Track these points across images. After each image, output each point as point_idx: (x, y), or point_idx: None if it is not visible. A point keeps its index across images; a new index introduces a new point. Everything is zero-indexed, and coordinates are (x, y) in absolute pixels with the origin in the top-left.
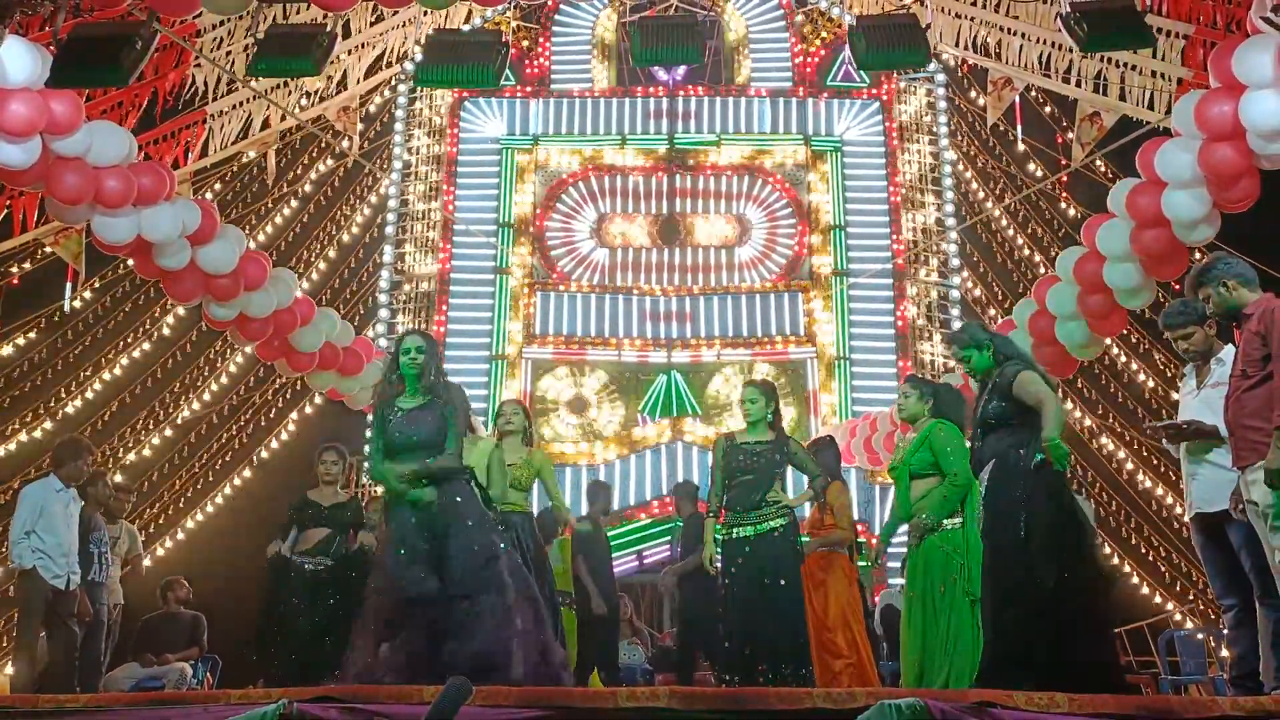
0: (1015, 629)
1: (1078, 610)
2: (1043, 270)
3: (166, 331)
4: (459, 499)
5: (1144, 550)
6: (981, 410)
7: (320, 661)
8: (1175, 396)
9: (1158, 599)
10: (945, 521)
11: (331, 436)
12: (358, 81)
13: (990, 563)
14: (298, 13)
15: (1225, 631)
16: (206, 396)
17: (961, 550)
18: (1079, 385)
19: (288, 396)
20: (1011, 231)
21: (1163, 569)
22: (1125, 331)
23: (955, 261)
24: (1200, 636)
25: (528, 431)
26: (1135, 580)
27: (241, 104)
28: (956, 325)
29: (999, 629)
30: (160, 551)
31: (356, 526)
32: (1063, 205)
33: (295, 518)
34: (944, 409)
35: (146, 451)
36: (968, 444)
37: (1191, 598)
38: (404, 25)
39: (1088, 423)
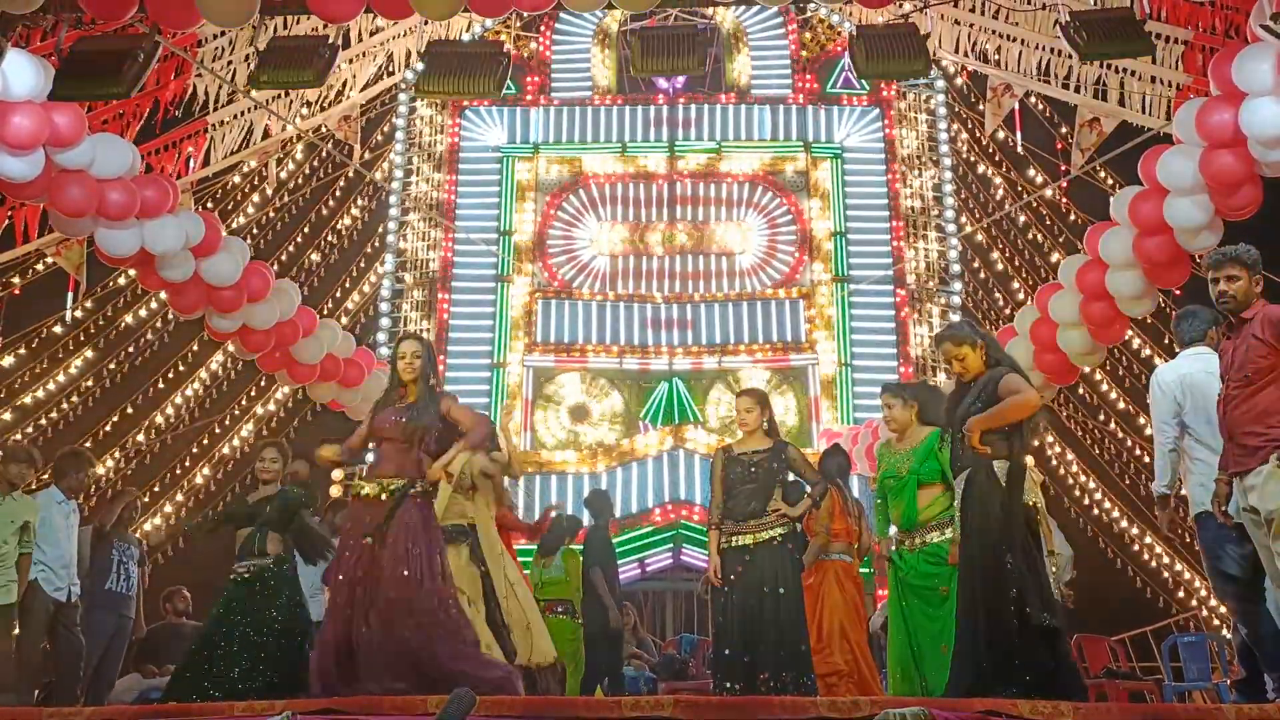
0: (990, 639)
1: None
2: (1044, 276)
3: (167, 340)
4: (407, 507)
5: (1146, 556)
6: (965, 413)
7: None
8: None
9: (1161, 604)
10: (935, 534)
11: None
12: (359, 91)
13: (967, 574)
14: (298, 23)
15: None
16: (207, 405)
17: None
18: (1080, 391)
19: (289, 406)
20: (1013, 237)
21: (1166, 574)
22: (1128, 335)
23: (956, 268)
24: (1204, 643)
25: None
26: (1139, 585)
27: (242, 114)
28: None
29: (975, 641)
30: (160, 561)
31: (278, 524)
32: (1063, 211)
33: (230, 516)
34: (929, 411)
35: (147, 460)
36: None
37: (1195, 603)
38: (405, 34)
39: (1090, 427)
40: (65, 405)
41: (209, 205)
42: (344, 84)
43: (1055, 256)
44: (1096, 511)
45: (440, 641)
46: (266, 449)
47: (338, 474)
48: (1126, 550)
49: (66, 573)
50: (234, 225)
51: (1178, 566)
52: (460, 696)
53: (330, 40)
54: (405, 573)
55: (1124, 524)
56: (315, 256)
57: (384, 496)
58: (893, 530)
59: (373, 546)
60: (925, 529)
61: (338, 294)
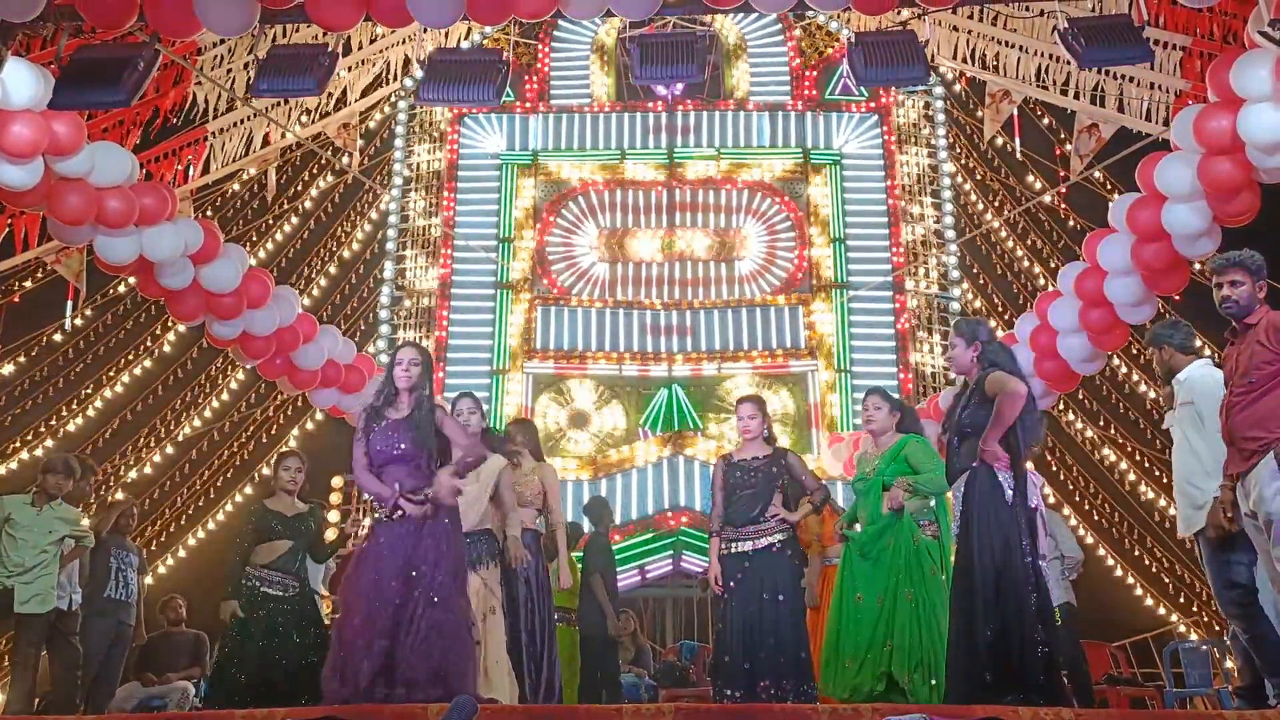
0: (992, 646)
1: (1051, 630)
2: (1043, 282)
3: (167, 349)
4: (439, 522)
5: (1147, 562)
6: (958, 417)
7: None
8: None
9: (1161, 610)
10: (916, 534)
11: (333, 453)
12: (358, 98)
13: (966, 578)
14: (297, 30)
15: (1229, 643)
16: (207, 414)
17: (934, 558)
18: (1080, 396)
19: (288, 413)
20: (1011, 244)
21: (1166, 580)
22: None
23: (955, 274)
24: (1205, 648)
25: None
26: (1139, 592)
27: (242, 121)
28: None
29: (974, 646)
30: (162, 569)
31: (314, 540)
32: (1062, 217)
33: (255, 528)
34: (908, 424)
35: (148, 469)
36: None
37: (1195, 609)
38: (404, 42)
39: (1090, 434)
40: (65, 413)
41: (208, 213)
42: (343, 91)
43: (1054, 263)
44: (1097, 516)
45: (461, 659)
46: (289, 458)
47: (338, 481)
48: (1127, 556)
49: (68, 581)
50: (233, 232)
51: (1178, 571)
52: (462, 704)
53: (330, 48)
54: (435, 592)
55: (1124, 529)
56: (314, 263)
57: (399, 515)
58: (857, 527)
59: (404, 565)
60: None
61: (337, 300)
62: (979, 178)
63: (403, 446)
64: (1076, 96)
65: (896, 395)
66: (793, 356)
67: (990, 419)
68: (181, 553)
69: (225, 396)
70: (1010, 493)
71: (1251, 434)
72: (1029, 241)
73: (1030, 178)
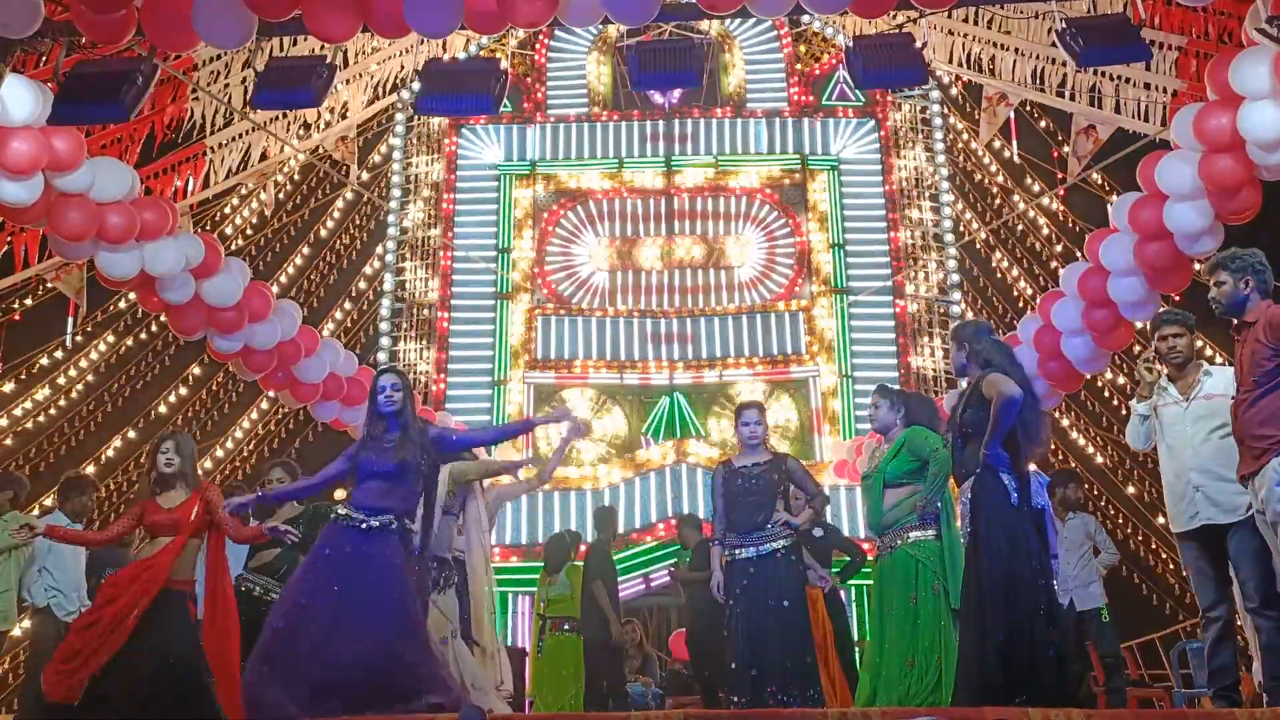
0: (1002, 649)
1: (1059, 634)
2: (1043, 284)
3: (169, 362)
4: (391, 534)
5: (1152, 563)
6: (960, 418)
7: None
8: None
9: (1167, 611)
10: (915, 533)
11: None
12: (356, 111)
13: (975, 582)
14: (294, 44)
15: (1206, 643)
16: (210, 426)
17: (935, 560)
18: (1082, 397)
19: (290, 427)
20: (1010, 245)
21: (1172, 581)
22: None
23: (955, 277)
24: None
25: None
26: (1145, 592)
27: (240, 136)
28: None
29: (984, 649)
30: None
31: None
32: (1060, 218)
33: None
34: (915, 417)
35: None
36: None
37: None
38: (401, 54)
39: (1093, 434)
40: (67, 429)
41: (208, 227)
42: (342, 103)
43: (1054, 265)
44: (1102, 518)
45: (413, 673)
46: (274, 469)
47: (340, 494)
48: (1133, 557)
49: (77, 595)
50: (234, 246)
51: (1184, 573)
52: (469, 713)
53: (328, 60)
54: (386, 604)
55: (1129, 530)
56: (314, 275)
57: (365, 526)
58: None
59: (350, 573)
60: (898, 530)
61: (337, 314)
62: (977, 180)
63: (376, 466)
64: (1073, 98)
65: None
66: (794, 362)
67: (990, 422)
68: None
69: (227, 409)
70: (1015, 495)
71: (1260, 432)
72: (1028, 243)
73: (1028, 179)
